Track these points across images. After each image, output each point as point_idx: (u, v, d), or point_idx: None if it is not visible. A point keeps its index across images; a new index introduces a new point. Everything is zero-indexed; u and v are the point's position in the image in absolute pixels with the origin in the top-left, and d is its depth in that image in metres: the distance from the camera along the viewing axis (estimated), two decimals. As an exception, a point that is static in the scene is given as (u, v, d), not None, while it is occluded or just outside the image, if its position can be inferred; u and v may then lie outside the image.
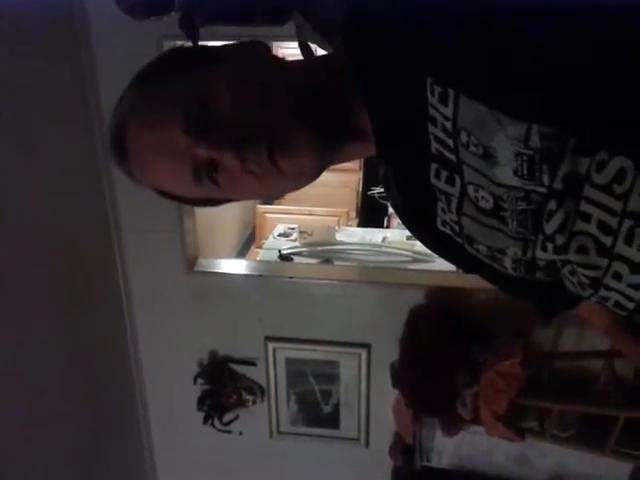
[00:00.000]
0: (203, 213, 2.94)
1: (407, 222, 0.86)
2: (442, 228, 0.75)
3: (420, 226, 0.82)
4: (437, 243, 0.81)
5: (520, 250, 0.68)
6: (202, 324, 2.87)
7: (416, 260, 3.46)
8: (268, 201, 4.85)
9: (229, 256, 4.16)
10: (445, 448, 2.62)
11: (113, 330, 2.88)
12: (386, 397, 2.70)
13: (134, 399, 3.07)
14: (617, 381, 2.30)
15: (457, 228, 0.72)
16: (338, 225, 4.36)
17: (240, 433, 2.97)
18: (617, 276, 0.62)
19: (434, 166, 0.67)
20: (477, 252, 0.73)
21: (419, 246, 3.63)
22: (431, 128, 0.64)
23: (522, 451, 2.51)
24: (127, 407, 3.07)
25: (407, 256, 3.52)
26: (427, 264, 3.36)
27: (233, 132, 0.65)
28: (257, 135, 0.65)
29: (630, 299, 0.64)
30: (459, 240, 0.74)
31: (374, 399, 2.85)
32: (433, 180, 0.69)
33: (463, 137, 0.61)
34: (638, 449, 2.36)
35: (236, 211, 4.61)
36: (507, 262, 0.71)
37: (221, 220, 3.69)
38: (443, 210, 0.72)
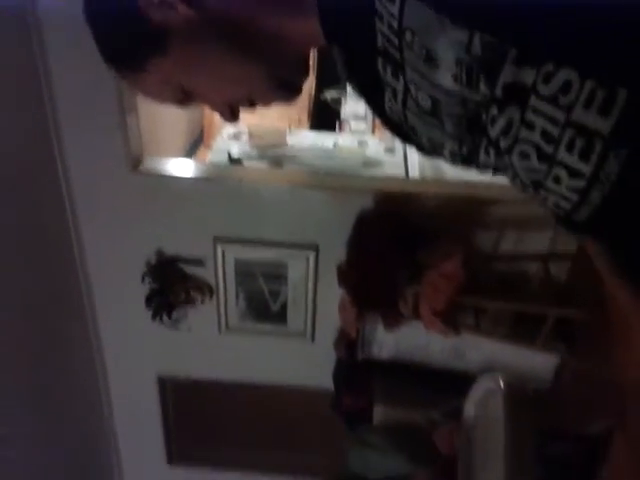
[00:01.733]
0: (147, 110, 2.82)
1: (360, 96, 0.88)
2: (390, 114, 0.78)
3: (371, 105, 0.85)
4: (388, 122, 0.83)
5: (457, 146, 0.72)
6: (149, 225, 2.84)
7: (366, 165, 3.47)
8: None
9: (177, 156, 4.04)
10: (386, 342, 2.76)
11: (56, 232, 2.81)
12: (332, 296, 2.80)
13: (81, 297, 3.07)
14: (550, 282, 2.45)
15: (403, 118, 0.75)
16: (289, 128, 4.28)
17: (189, 329, 3.04)
18: (557, 180, 0.65)
19: (380, 60, 0.68)
20: (420, 141, 0.78)
21: (370, 152, 3.63)
22: (378, 23, 0.64)
23: (457, 345, 2.68)
24: (74, 306, 3.07)
25: (357, 161, 3.52)
26: (377, 169, 3.38)
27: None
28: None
29: (568, 200, 0.67)
30: (405, 128, 0.77)
31: (321, 297, 2.95)
32: (380, 72, 0.70)
33: (408, 37, 0.62)
34: (564, 343, 2.56)
35: (183, 111, 4.43)
36: (446, 154, 0.76)
37: (167, 119, 3.55)
38: (390, 99, 0.74)
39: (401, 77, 0.68)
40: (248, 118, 4.21)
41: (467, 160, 0.74)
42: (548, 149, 0.62)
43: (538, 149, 0.63)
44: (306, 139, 3.97)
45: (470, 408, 1.40)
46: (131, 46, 0.78)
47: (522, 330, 2.48)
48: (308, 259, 2.84)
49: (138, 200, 2.78)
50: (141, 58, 0.78)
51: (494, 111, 0.62)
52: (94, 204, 2.82)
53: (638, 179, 0.60)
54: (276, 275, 2.93)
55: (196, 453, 3.75)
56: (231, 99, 0.81)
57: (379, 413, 2.71)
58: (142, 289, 2.93)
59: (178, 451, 3.71)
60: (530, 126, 0.62)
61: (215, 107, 0.84)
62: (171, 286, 2.93)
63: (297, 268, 2.88)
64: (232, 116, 0.84)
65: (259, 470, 3.67)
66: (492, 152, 0.68)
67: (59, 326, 2.91)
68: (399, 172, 3.34)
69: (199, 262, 2.91)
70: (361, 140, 3.88)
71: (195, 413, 3.68)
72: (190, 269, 2.93)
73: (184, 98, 0.82)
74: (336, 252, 2.68)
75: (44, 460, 2.88)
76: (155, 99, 0.86)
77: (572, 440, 1.53)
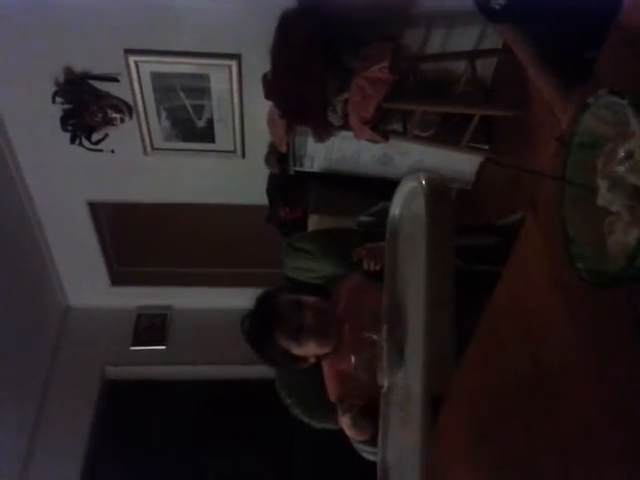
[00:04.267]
0: None
1: None
2: None
3: None
4: None
5: None
6: (51, 37, 2.54)
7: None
8: None
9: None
10: (317, 154, 2.76)
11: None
12: (260, 109, 2.70)
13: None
14: (476, 81, 2.43)
15: None
16: None
17: (112, 151, 2.92)
18: None
19: None
20: None
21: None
22: None
23: (386, 152, 2.71)
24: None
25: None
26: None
27: None
28: None
29: None
30: None
31: (248, 112, 2.84)
32: None
33: None
34: (487, 144, 2.63)
35: None
36: None
37: None
38: None
39: None
40: None
41: None
42: None
43: None
44: None
45: (395, 208, 1.45)
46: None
47: (448, 133, 2.51)
48: (231, 69, 2.67)
49: (39, 12, 2.44)
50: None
51: None
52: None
53: None
54: (198, 89, 2.76)
55: (137, 273, 3.85)
56: None
57: (313, 222, 2.80)
58: (55, 111, 2.72)
59: (120, 273, 3.80)
60: None
61: None
62: (86, 106, 2.72)
63: (220, 80, 2.72)
64: None
65: (200, 284, 3.84)
66: None
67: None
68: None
69: (113, 78, 2.68)
70: None
71: (132, 235, 3.72)
72: (104, 86, 2.71)
73: None
74: (260, 60, 2.53)
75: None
76: None
77: (489, 232, 1.63)
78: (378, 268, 1.48)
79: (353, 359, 1.32)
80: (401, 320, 1.31)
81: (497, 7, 0.69)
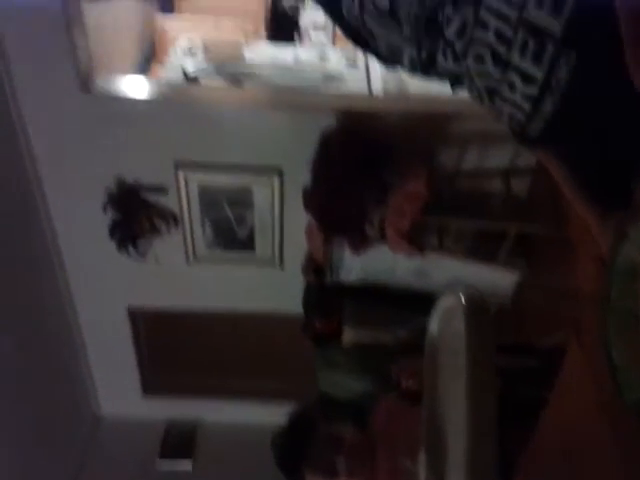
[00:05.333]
0: (95, 28, 2.64)
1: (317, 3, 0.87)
2: (348, 18, 0.77)
3: (330, 12, 0.83)
4: (347, 29, 0.82)
5: (415, 51, 0.71)
6: (105, 149, 2.72)
7: (328, 79, 3.34)
8: (167, 9, 4.38)
9: (128, 73, 3.84)
10: (353, 265, 2.78)
11: (10, 165, 2.68)
12: (299, 220, 2.78)
13: (43, 234, 2.98)
14: (512, 198, 2.47)
15: (361, 22, 0.75)
16: (246, 41, 4.08)
17: (156, 260, 3.01)
18: (511, 86, 0.64)
19: None
20: (379, 48, 0.78)
21: (331, 65, 3.50)
22: None
23: (422, 265, 2.71)
24: (37, 246, 2.98)
25: (319, 76, 3.40)
26: (339, 85, 3.27)
27: None
28: None
29: (522, 110, 0.67)
30: (363, 34, 0.77)
31: (287, 223, 2.93)
32: None
33: None
34: (524, 260, 2.61)
35: (133, 25, 4.17)
36: (406, 61, 0.74)
37: (116, 34, 3.33)
38: (348, 3, 0.75)
39: None
40: (202, 31, 4.01)
41: (426, 67, 0.74)
42: (502, 50, 0.62)
43: (492, 51, 0.63)
44: (264, 52, 3.78)
45: (434, 325, 1.42)
46: None
47: (484, 248, 2.51)
48: (273, 184, 2.79)
49: (92, 124, 2.63)
50: None
51: (449, 10, 0.62)
52: (47, 131, 2.67)
53: (585, 90, 0.61)
54: (241, 201, 2.88)
55: (170, 383, 3.81)
56: None
57: (348, 335, 2.76)
58: (105, 220, 2.86)
59: (153, 381, 3.77)
60: (484, 26, 0.61)
61: None
62: (134, 216, 2.86)
63: (262, 193, 2.84)
64: None
65: (232, 397, 3.76)
66: (450, 55, 0.68)
67: (24, 262, 2.84)
68: (361, 87, 3.24)
69: (161, 189, 2.83)
70: (322, 53, 3.73)
71: (167, 344, 3.72)
72: (153, 197, 2.86)
73: None
74: (301, 175, 2.64)
75: (19, 397, 2.89)
76: None
77: (530, 353, 1.58)
78: (416, 388, 1.43)
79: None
80: (440, 447, 1.24)
81: (533, 135, 0.72)
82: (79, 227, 2.99)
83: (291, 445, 1.40)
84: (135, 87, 2.66)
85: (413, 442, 1.28)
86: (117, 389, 3.72)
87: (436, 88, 0.85)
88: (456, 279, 2.64)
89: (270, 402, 3.45)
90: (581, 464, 0.68)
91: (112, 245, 2.90)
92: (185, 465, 3.65)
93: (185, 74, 3.25)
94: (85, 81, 2.53)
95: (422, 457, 1.20)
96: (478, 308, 1.24)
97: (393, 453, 1.33)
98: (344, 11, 0.76)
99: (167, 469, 3.63)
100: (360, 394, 1.55)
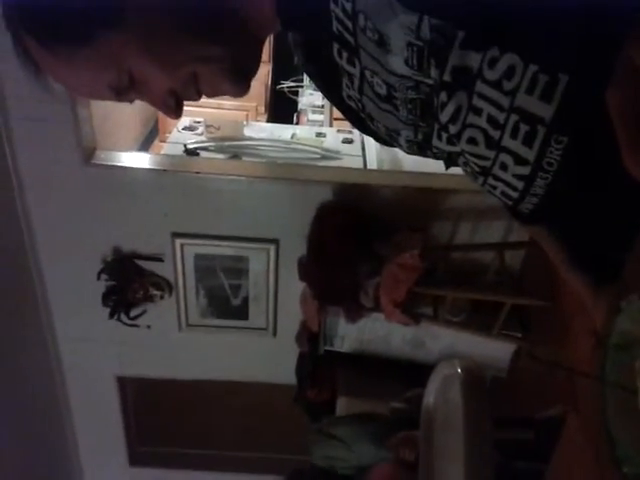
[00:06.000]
0: (99, 103, 2.75)
1: (318, 86, 0.88)
2: (348, 101, 0.77)
3: (329, 94, 0.84)
4: (346, 111, 0.83)
5: (412, 133, 0.72)
6: (104, 220, 2.76)
7: (325, 157, 3.46)
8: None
9: (130, 150, 3.95)
10: (348, 334, 2.78)
11: (7, 229, 2.72)
12: (293, 290, 2.79)
13: (35, 296, 2.97)
14: (505, 271, 2.51)
15: (360, 105, 0.75)
16: (246, 120, 4.24)
17: (148, 326, 2.99)
18: (503, 167, 0.66)
19: (336, 46, 0.68)
20: (377, 129, 0.78)
21: (328, 143, 3.63)
22: (332, 6, 0.64)
23: (417, 335, 2.72)
24: (28, 305, 2.97)
25: (316, 153, 3.51)
26: (335, 161, 3.38)
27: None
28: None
29: (515, 189, 0.69)
30: (362, 115, 0.77)
31: (282, 292, 2.93)
32: (336, 58, 0.70)
33: (361, 21, 0.62)
34: (520, 332, 2.62)
35: (136, 102, 4.33)
36: (402, 141, 0.76)
37: (120, 111, 3.46)
38: (347, 86, 0.74)
39: (357, 63, 0.68)
40: (205, 109, 4.16)
41: (422, 147, 0.75)
42: (495, 134, 0.64)
43: (485, 135, 0.64)
44: (263, 131, 3.93)
45: (430, 395, 1.42)
46: (83, 12, 0.63)
47: (479, 319, 2.52)
48: (269, 253, 2.82)
49: (92, 194, 2.69)
50: (91, 27, 0.63)
51: (444, 97, 0.63)
52: (46, 199, 2.72)
53: (578, 170, 0.62)
54: (237, 270, 2.90)
55: (157, 454, 3.70)
56: (181, 84, 0.74)
57: (342, 405, 2.72)
58: (98, 287, 2.86)
59: (139, 452, 3.66)
60: (477, 112, 0.63)
61: (159, 98, 0.74)
62: (129, 283, 2.86)
63: (258, 262, 2.86)
64: (176, 108, 0.78)
65: (223, 468, 3.64)
66: (444, 137, 0.69)
67: (13, 326, 2.81)
68: (357, 164, 3.35)
69: (158, 258, 2.85)
70: (319, 131, 3.87)
71: (156, 412, 3.63)
72: (148, 265, 2.88)
73: (125, 88, 0.72)
74: (296, 245, 2.68)
75: (3, 462, 2.79)
76: (84, 89, 0.75)
77: (527, 425, 1.57)
78: (413, 458, 1.41)
79: None
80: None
81: (526, 212, 0.73)
82: (72, 293, 2.98)
83: None
84: (136, 160, 2.76)
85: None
86: (102, 459, 3.59)
87: (430, 164, 0.86)
88: (452, 350, 2.64)
89: (262, 474, 3.33)
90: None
91: (104, 312, 2.89)
92: None
93: (186, 148, 3.35)
94: (87, 152, 2.61)
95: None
96: (475, 379, 1.24)
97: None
98: (344, 94, 0.77)
99: None
100: (354, 466, 1.52)
